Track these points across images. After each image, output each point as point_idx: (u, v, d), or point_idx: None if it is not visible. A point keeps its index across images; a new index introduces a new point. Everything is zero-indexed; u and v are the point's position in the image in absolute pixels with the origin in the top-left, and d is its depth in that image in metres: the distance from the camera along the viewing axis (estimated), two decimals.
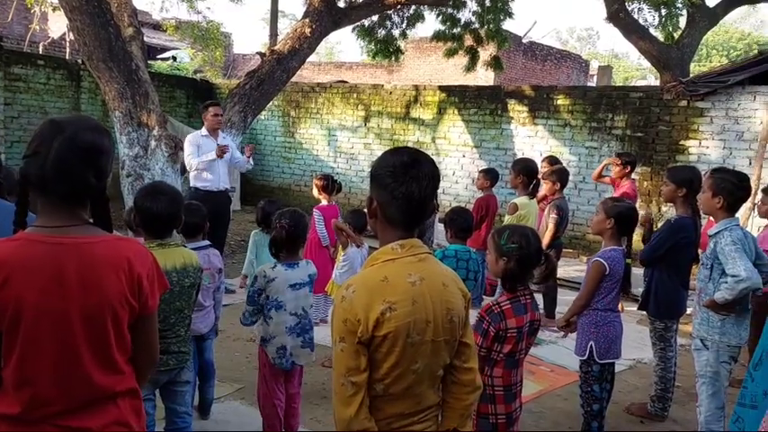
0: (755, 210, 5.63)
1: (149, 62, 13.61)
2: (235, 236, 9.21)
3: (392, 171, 1.70)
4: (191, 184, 6.49)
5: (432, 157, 1.80)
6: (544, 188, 6.03)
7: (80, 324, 1.55)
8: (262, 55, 9.08)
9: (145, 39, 8.36)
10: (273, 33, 14.17)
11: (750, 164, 7.67)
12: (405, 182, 1.67)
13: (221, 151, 6.23)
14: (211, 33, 18.19)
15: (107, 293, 1.58)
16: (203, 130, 6.57)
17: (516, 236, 2.77)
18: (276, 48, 9.17)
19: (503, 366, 2.68)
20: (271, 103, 10.87)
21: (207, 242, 3.61)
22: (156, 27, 19.44)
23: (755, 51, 8.55)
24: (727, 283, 3.24)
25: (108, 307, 1.58)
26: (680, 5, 11.57)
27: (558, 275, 6.16)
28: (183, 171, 7.08)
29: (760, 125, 7.71)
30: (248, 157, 6.85)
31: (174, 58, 21.62)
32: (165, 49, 21.27)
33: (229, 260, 7.53)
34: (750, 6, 12.50)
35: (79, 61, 11.03)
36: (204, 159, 6.31)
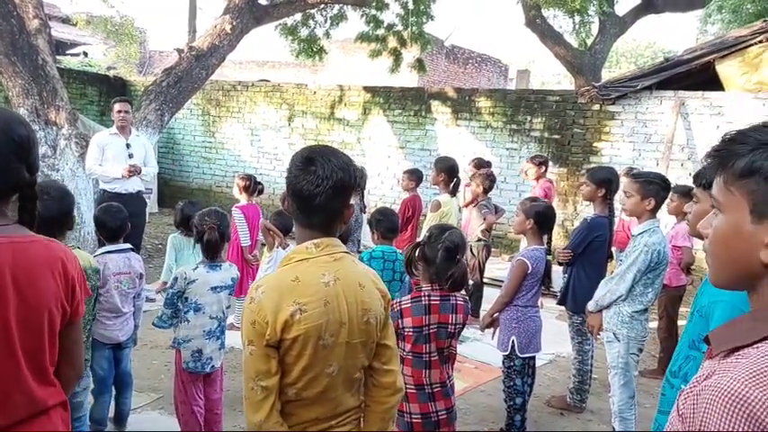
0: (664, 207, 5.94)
1: (58, 57, 12.89)
2: (152, 239, 8.87)
3: (292, 166, 1.67)
4: (100, 186, 6.16)
5: (356, 157, 1.75)
6: (471, 190, 6.18)
7: (17, 330, 1.43)
8: (179, 51, 8.78)
9: (53, 33, 7.90)
10: (192, 30, 13.77)
11: (657, 164, 8.11)
12: (297, 176, 1.64)
13: (129, 171, 5.87)
14: (125, 28, 17.46)
15: (44, 295, 1.48)
16: (113, 129, 6.23)
17: (435, 228, 2.83)
18: (195, 44, 8.89)
19: (411, 365, 2.71)
20: (189, 102, 10.54)
21: (128, 245, 3.47)
22: (66, 21, 18.45)
23: (661, 58, 9.04)
24: (608, 293, 3.51)
25: (45, 309, 1.48)
26: (592, 13, 12.10)
27: (484, 274, 6.31)
28: None
29: (666, 128, 8.17)
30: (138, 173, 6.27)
31: (86, 54, 20.63)
32: (75, 45, 20.22)
33: (146, 265, 7.18)
34: (656, 16, 13.23)
35: None
36: (107, 175, 5.99)
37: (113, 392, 3.55)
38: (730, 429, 0.86)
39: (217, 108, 12.29)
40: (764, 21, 7.64)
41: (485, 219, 5.89)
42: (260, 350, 1.60)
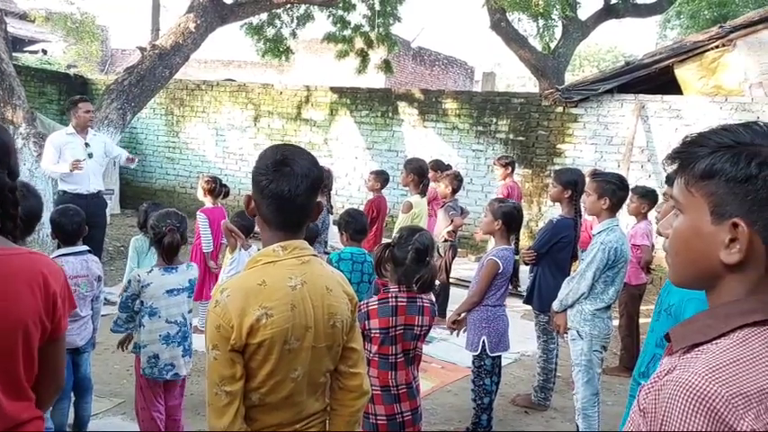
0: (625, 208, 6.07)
1: (15, 54, 12.54)
2: (113, 241, 8.67)
3: (264, 169, 1.62)
4: (59, 187, 5.99)
5: (323, 158, 1.74)
6: (439, 190, 6.21)
7: None
8: (142, 50, 8.61)
9: (9, 29, 7.68)
10: (155, 28, 13.54)
11: (618, 166, 8.27)
12: (274, 179, 1.60)
13: (73, 167, 5.67)
14: (86, 26, 17.02)
15: (21, 310, 1.42)
16: (69, 128, 6.05)
17: (405, 230, 2.83)
18: (158, 43, 8.74)
19: (377, 366, 2.71)
20: (153, 101, 10.36)
21: (85, 247, 3.38)
22: (23, 17, 17.95)
23: (622, 62, 9.23)
24: (571, 292, 3.58)
25: (20, 325, 1.42)
26: (555, 17, 12.29)
27: (450, 275, 6.35)
28: None
29: (627, 130, 8.34)
30: (131, 162, 6.49)
31: (45, 52, 20.12)
32: (33, 42, 19.71)
33: (108, 267, 7.07)
34: (617, 21, 13.52)
35: None
36: (56, 170, 5.80)
37: (72, 398, 3.46)
38: (691, 423, 0.88)
39: (181, 107, 12.11)
40: (720, 26, 7.87)
41: (452, 221, 5.94)
42: (224, 355, 1.57)
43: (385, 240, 3.58)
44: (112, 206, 10.99)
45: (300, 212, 1.66)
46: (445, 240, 6.02)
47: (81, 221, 3.36)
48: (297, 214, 1.66)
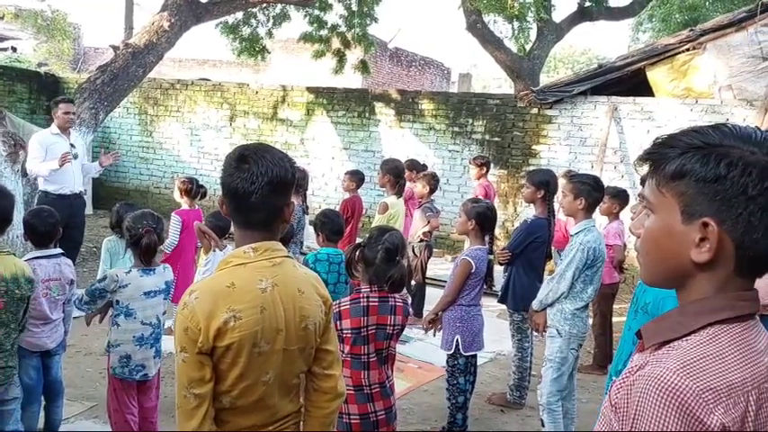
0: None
1: None
2: (86, 242, 8.51)
3: (226, 166, 1.63)
4: (41, 188, 5.96)
5: (299, 158, 1.73)
6: (416, 190, 6.24)
7: None
8: (115, 48, 8.50)
9: None
10: (129, 26, 13.37)
11: (592, 167, 8.38)
12: (231, 175, 1.60)
13: (63, 161, 5.65)
14: (58, 23, 16.73)
15: None
16: (53, 128, 6.04)
17: (375, 230, 2.85)
18: (131, 41, 8.63)
19: (350, 366, 2.70)
20: (126, 100, 10.22)
21: (58, 250, 3.33)
22: None
23: (596, 65, 9.36)
24: (551, 291, 3.61)
25: None
26: (530, 19, 12.39)
27: (426, 275, 6.37)
28: (26, 173, 6.44)
29: (600, 131, 8.45)
30: (102, 165, 6.40)
31: (14, 49, 19.71)
32: (2, 39, 19.30)
33: (80, 269, 6.95)
34: (591, 23, 13.70)
35: None
36: (45, 167, 5.76)
37: (43, 402, 3.40)
38: (663, 417, 0.90)
39: (155, 107, 11.96)
40: (691, 30, 8.02)
41: (428, 221, 5.96)
42: (192, 357, 1.55)
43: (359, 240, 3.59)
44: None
45: (260, 211, 1.62)
46: (421, 240, 6.04)
47: (55, 223, 3.30)
48: (257, 213, 1.62)
